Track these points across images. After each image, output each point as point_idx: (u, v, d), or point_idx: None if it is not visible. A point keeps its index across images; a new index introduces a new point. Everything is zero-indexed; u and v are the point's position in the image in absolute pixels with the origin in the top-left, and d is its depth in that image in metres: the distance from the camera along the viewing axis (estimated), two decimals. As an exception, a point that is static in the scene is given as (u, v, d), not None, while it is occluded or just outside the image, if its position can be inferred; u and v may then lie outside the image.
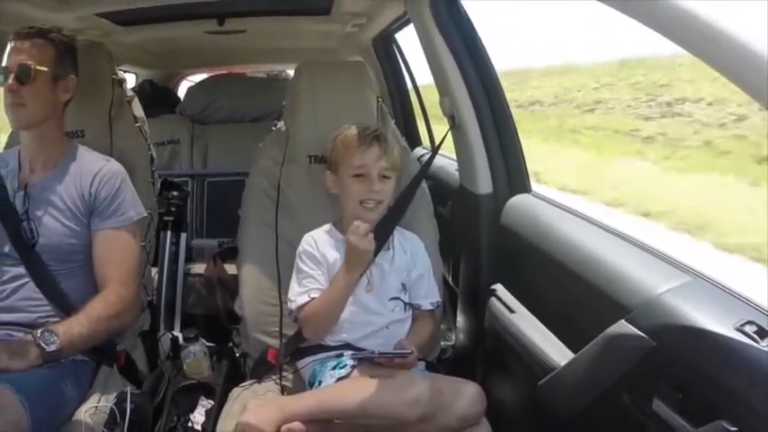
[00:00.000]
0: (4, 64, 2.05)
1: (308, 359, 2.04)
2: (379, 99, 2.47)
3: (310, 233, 2.12)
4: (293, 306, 2.02)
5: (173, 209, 3.13)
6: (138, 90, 4.86)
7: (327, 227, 2.13)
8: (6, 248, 2.04)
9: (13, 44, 2.06)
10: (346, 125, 2.12)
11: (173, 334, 2.82)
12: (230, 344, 2.60)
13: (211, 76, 5.53)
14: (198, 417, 2.26)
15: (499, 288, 2.19)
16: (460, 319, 2.52)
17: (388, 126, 2.39)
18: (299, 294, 2.01)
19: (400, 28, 3.66)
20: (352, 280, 1.96)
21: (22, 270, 2.04)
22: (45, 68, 2.03)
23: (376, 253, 2.01)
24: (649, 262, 1.61)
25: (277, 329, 2.21)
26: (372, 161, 2.02)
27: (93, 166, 2.13)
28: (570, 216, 2.04)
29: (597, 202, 9.75)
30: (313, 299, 1.99)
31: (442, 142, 2.53)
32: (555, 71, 19.29)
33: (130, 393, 1.98)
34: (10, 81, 1.98)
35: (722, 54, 0.97)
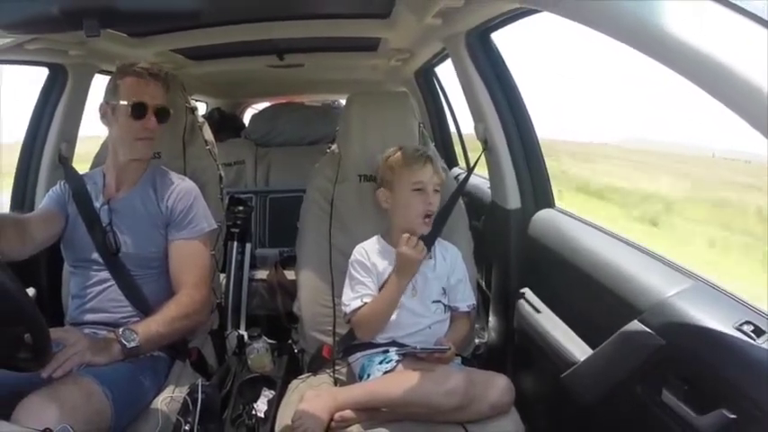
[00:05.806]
0: (124, 101, 2.09)
1: (358, 354, 2.08)
2: (421, 125, 2.51)
3: (361, 244, 2.16)
4: (347, 310, 2.07)
5: (239, 222, 3.18)
6: (208, 117, 4.98)
7: (376, 238, 2.17)
8: (93, 255, 2.10)
9: (134, 81, 2.12)
10: (392, 148, 2.17)
11: (239, 332, 2.90)
12: (289, 341, 2.66)
13: (273, 105, 5.60)
14: (261, 405, 2.30)
15: (527, 292, 2.23)
16: (492, 319, 2.55)
17: (429, 149, 2.42)
18: (352, 299, 2.06)
19: (439, 62, 3.69)
20: (401, 286, 2.01)
21: (107, 275, 2.10)
22: (171, 110, 2.18)
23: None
24: (657, 267, 1.64)
25: (331, 328, 2.25)
26: (428, 177, 2.07)
27: (169, 184, 2.18)
28: (589, 228, 2.07)
29: None
30: (365, 303, 2.03)
31: (476, 163, 2.58)
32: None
33: (201, 385, 2.00)
34: (152, 119, 2.10)
35: (723, 84, 0.98)
